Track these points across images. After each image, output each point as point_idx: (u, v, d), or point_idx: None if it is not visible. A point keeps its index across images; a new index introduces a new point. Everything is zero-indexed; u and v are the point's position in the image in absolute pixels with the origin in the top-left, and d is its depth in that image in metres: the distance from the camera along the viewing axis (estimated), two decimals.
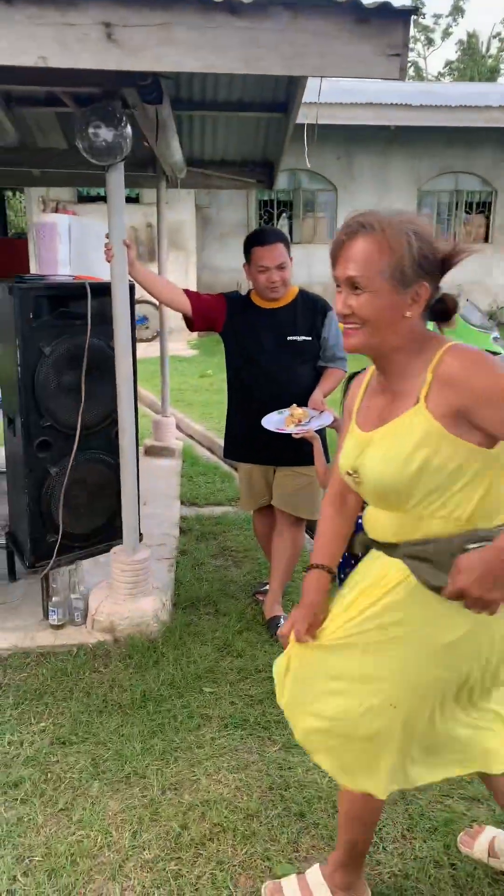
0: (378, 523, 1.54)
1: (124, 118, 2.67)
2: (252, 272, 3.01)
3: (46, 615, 3.06)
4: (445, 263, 1.42)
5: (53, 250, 3.24)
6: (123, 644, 2.94)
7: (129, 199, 6.75)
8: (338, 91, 12.88)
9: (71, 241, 3.32)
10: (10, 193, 16.18)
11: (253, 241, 2.99)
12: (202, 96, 4.40)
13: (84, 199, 12.56)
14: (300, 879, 1.83)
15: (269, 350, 3.03)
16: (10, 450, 3.23)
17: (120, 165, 2.72)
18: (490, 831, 1.97)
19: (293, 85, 4.00)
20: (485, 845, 1.94)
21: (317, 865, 1.83)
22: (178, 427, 6.50)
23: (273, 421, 2.86)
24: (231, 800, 2.15)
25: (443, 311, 1.49)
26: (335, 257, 1.43)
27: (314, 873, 1.82)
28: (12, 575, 3.45)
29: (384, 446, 1.45)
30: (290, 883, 1.83)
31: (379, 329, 1.41)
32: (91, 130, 2.62)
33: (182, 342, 12.09)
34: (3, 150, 4.78)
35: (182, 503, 4.70)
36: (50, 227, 3.28)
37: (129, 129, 2.66)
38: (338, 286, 1.44)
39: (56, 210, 11.54)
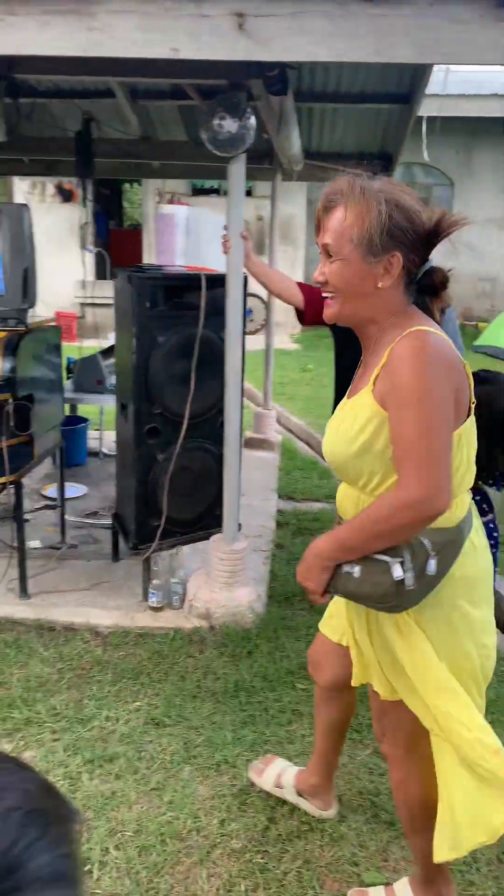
0: (342, 500, 1.54)
1: (248, 110, 2.68)
2: None
3: (146, 597, 3.14)
4: (431, 236, 1.38)
5: (172, 241, 3.29)
6: (219, 632, 2.97)
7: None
8: (460, 82, 12.45)
9: (188, 233, 3.37)
10: (127, 185, 16.67)
11: None
12: (323, 87, 4.36)
13: (198, 191, 12.77)
14: (388, 891, 1.79)
15: None
16: (121, 435, 3.33)
17: (242, 157, 2.73)
18: (278, 764, 2.13)
19: (418, 75, 3.90)
20: (272, 777, 2.11)
21: (405, 878, 1.79)
22: (278, 420, 6.51)
23: None
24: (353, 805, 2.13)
25: (430, 285, 1.45)
26: (316, 226, 1.44)
27: (403, 887, 1.77)
28: (116, 555, 3.57)
29: (338, 420, 1.47)
30: (377, 893, 1.79)
31: (350, 298, 1.41)
32: (216, 122, 2.64)
33: (285, 335, 12.10)
34: (127, 143, 4.92)
35: (279, 497, 4.70)
36: (169, 219, 3.34)
37: (252, 121, 2.66)
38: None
39: (170, 202, 11.79)
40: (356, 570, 1.39)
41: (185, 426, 3.06)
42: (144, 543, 3.14)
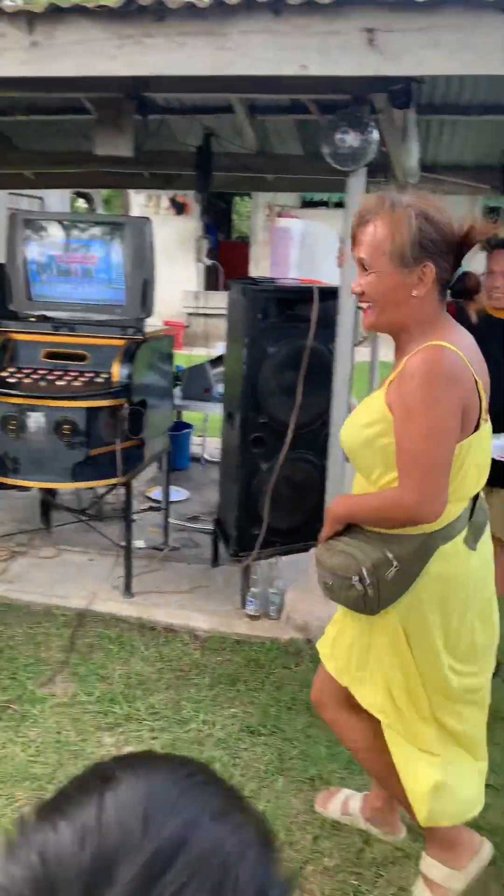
0: (353, 486, 1.68)
1: (371, 124, 2.67)
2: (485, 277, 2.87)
3: (244, 604, 3.17)
4: (462, 245, 1.48)
5: (286, 254, 3.33)
6: (315, 645, 2.95)
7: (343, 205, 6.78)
8: None
9: (302, 246, 3.40)
10: (237, 198, 16.98)
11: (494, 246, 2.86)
12: (444, 99, 4.28)
13: (306, 203, 12.84)
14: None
15: (497, 361, 2.87)
16: (226, 442, 3.39)
17: (362, 171, 2.73)
18: (344, 793, 2.10)
19: None
20: (338, 805, 2.06)
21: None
22: None
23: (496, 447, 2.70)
24: (414, 826, 2.07)
25: (464, 289, 1.53)
26: (353, 240, 1.53)
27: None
28: (215, 560, 3.63)
29: (356, 412, 1.63)
30: None
31: (386, 308, 1.50)
32: (338, 136, 2.65)
33: (389, 348, 11.91)
34: (243, 156, 5.01)
35: None
36: (285, 232, 3.39)
37: (375, 135, 2.66)
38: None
39: (280, 215, 11.91)
40: (331, 581, 1.58)
41: (289, 437, 3.08)
42: (244, 551, 3.17)
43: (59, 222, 3.50)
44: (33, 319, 3.47)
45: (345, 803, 2.07)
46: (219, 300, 9.72)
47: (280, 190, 9.51)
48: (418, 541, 1.50)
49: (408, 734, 1.62)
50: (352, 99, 2.66)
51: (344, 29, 2.13)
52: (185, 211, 12.84)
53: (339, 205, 8.44)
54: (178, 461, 5.17)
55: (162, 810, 0.36)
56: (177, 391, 4.63)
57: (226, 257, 13.60)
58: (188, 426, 5.40)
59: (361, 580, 1.49)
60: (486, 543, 1.63)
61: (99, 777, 0.39)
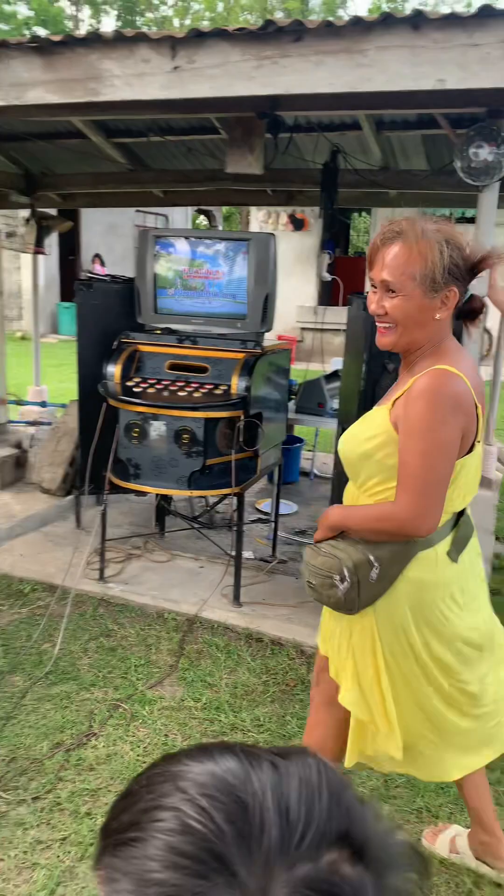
0: (345, 495, 1.74)
1: None
2: None
3: None
4: (474, 269, 1.54)
5: None
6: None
7: (467, 220, 6.59)
8: None
9: None
10: (355, 214, 16.94)
11: None
12: None
13: None
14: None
15: None
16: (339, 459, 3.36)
17: (495, 185, 2.65)
18: (453, 829, 2.04)
19: None
20: (446, 842, 2.02)
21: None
22: (499, 458, 6.16)
23: None
24: None
25: (471, 310, 1.61)
26: (371, 260, 1.57)
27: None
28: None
29: (357, 424, 1.69)
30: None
31: (409, 329, 1.54)
32: (472, 150, 2.59)
33: None
34: (368, 173, 4.99)
35: (496, 539, 4.44)
36: None
37: None
38: (373, 287, 1.57)
39: None
40: (315, 581, 1.63)
41: None
42: None
43: (187, 238, 3.62)
44: (159, 332, 3.60)
45: (453, 841, 2.02)
46: (334, 316, 9.71)
47: (402, 205, 9.39)
48: (399, 545, 1.58)
49: (374, 726, 1.69)
50: (485, 112, 2.60)
51: (485, 41, 2.08)
52: (303, 227, 12.94)
53: (463, 220, 8.23)
54: (288, 474, 5.19)
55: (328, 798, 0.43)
56: (290, 405, 4.66)
57: (343, 273, 13.57)
58: (300, 440, 5.41)
59: (342, 579, 1.56)
60: (468, 555, 1.68)
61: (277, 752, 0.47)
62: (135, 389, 3.39)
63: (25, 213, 5.77)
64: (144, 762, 2.33)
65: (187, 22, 23.89)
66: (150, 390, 3.39)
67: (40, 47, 2.41)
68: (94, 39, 2.35)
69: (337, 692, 1.75)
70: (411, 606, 1.60)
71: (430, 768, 1.74)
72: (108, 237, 15.52)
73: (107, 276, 4.11)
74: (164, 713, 2.60)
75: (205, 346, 3.46)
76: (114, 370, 3.51)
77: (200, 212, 17.53)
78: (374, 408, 1.67)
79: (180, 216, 17.21)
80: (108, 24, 26.48)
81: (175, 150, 4.96)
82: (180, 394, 3.29)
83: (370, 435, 1.61)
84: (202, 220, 20.04)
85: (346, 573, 1.55)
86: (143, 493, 3.93)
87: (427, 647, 1.62)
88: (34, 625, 3.17)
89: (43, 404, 6.10)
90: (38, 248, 5.71)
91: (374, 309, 1.57)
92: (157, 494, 3.96)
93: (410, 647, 1.62)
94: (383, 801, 2.19)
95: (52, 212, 6.18)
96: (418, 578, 1.60)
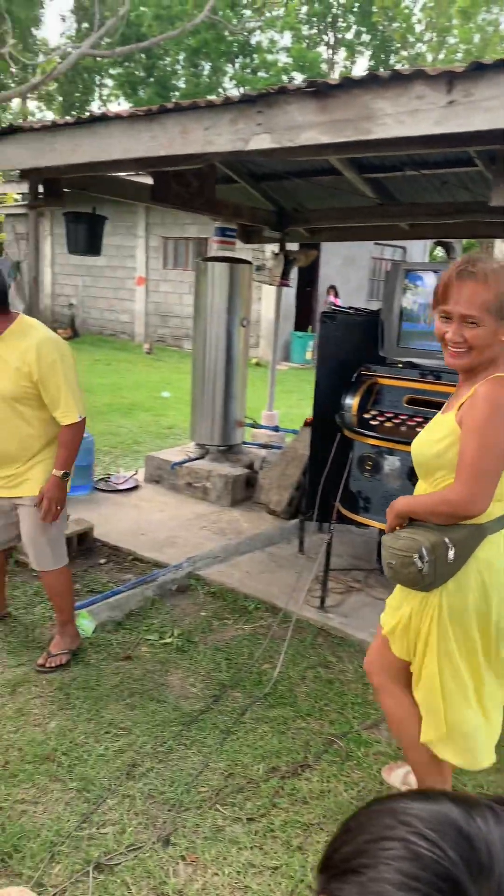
0: (417, 492, 1.98)
1: None
2: None
3: None
4: None
5: None
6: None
7: None
8: None
9: None
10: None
11: None
12: None
13: None
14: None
15: None
16: None
17: None
18: (407, 767, 2.31)
19: None
20: (400, 776, 2.36)
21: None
22: None
23: None
24: None
25: None
26: (446, 295, 1.79)
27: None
28: None
29: (428, 429, 1.93)
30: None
31: (482, 352, 1.79)
32: None
33: None
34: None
35: None
36: None
37: None
38: (444, 317, 1.82)
39: None
40: (394, 561, 1.83)
41: None
42: None
43: (436, 272, 3.54)
44: (400, 366, 3.55)
45: (406, 776, 2.34)
46: None
47: None
48: (470, 529, 1.81)
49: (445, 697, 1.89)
50: None
51: None
52: None
53: None
54: None
55: None
56: None
57: None
58: None
59: (421, 557, 1.76)
60: None
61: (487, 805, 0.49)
62: (371, 422, 3.37)
63: (271, 246, 6.07)
64: (358, 805, 2.27)
65: (441, 57, 23.81)
66: (387, 424, 3.35)
67: (317, 91, 2.51)
68: (370, 80, 2.39)
69: (400, 669, 2.03)
70: (479, 583, 1.82)
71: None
72: (345, 269, 15.84)
73: (349, 308, 4.16)
74: (379, 759, 2.51)
75: (447, 382, 3.35)
76: (352, 402, 3.53)
77: (439, 244, 17.25)
78: (440, 414, 1.94)
79: (418, 248, 17.06)
80: (362, 65, 27.27)
81: (427, 184, 4.91)
82: (418, 430, 3.21)
83: (439, 437, 1.85)
84: (439, 251, 19.68)
85: (424, 552, 1.77)
86: (366, 526, 3.89)
87: (487, 616, 1.83)
88: (255, 643, 3.26)
89: (275, 429, 6.33)
90: (284, 280, 5.97)
91: (452, 337, 1.79)
92: (380, 529, 3.89)
93: (478, 615, 1.83)
94: None
95: (295, 246, 6.44)
96: (487, 559, 1.83)
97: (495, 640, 1.85)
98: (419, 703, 1.97)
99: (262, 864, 2.02)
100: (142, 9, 23.41)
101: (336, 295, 14.58)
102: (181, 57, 27.12)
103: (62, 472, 2.78)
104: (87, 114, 3.24)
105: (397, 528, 1.92)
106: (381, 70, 2.60)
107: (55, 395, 2.69)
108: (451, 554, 1.77)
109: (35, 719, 2.62)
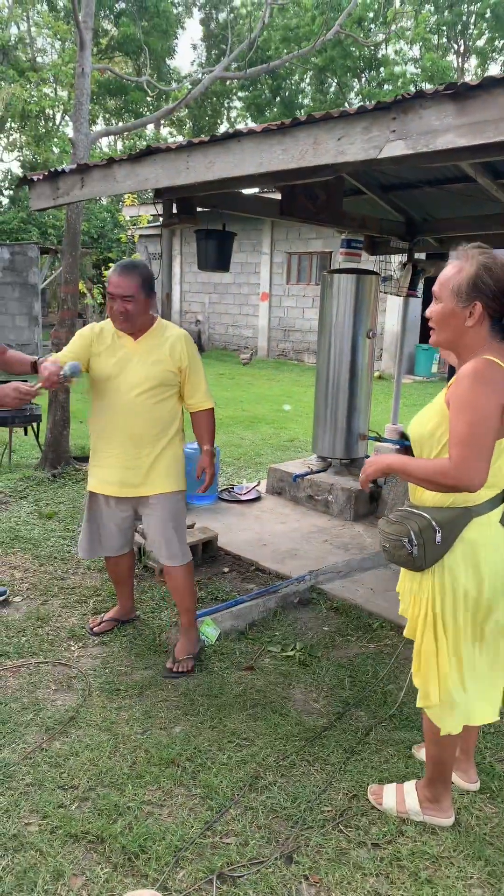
0: None
1: None
2: None
3: None
4: None
5: None
6: None
7: None
8: None
9: None
10: None
11: None
12: None
13: None
14: (398, 788, 2.34)
15: None
16: None
17: None
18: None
19: None
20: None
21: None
22: None
23: None
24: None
25: None
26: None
27: (410, 786, 2.34)
28: None
29: (423, 411, 2.05)
30: (390, 789, 2.33)
31: (442, 330, 1.95)
32: None
33: None
34: None
35: None
36: None
37: None
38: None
39: None
40: (388, 544, 1.99)
41: None
42: None
43: None
44: None
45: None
46: None
47: None
48: (457, 511, 1.93)
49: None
50: None
51: None
52: None
53: None
54: None
55: None
56: None
57: None
58: None
59: (410, 541, 1.92)
60: None
61: None
62: None
63: (399, 257, 5.95)
64: (492, 842, 2.13)
65: None
66: None
67: (456, 93, 2.43)
68: None
69: None
70: (472, 565, 1.94)
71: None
72: None
73: None
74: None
75: None
76: None
77: None
78: (436, 398, 2.00)
79: None
80: (494, 71, 26.43)
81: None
82: None
83: (430, 416, 1.96)
84: None
85: (412, 536, 1.91)
86: None
87: (479, 591, 1.95)
88: (380, 662, 3.16)
89: (400, 443, 6.17)
90: (412, 291, 5.84)
91: (427, 312, 1.97)
92: None
93: (465, 594, 1.95)
94: None
95: (422, 256, 6.27)
96: (473, 539, 1.94)
97: (484, 617, 1.98)
98: (415, 672, 2.09)
99: (389, 894, 1.94)
100: (269, 31, 23.94)
101: None
102: (307, 76, 27.46)
103: (211, 447, 3.12)
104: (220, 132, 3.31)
105: (373, 478, 2.05)
106: None
107: (197, 382, 3.03)
108: (437, 537, 1.91)
109: (161, 722, 2.67)
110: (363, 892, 1.94)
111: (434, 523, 1.91)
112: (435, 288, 1.93)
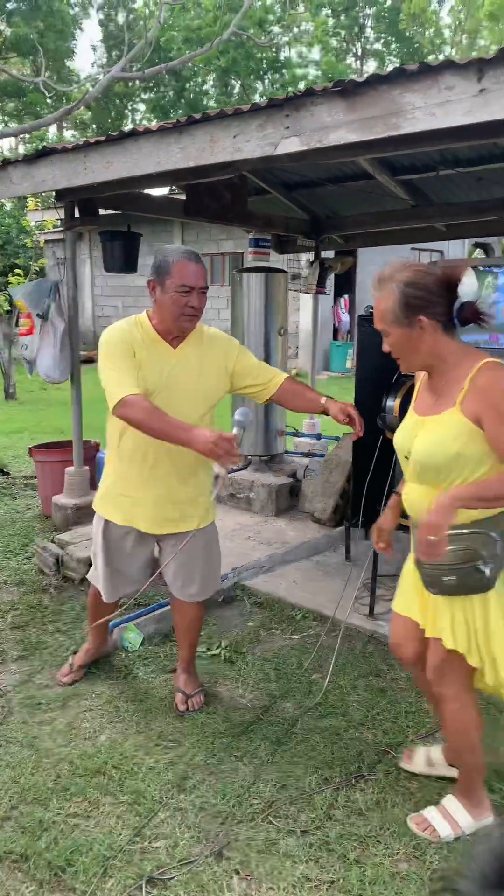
0: (419, 499, 1.93)
1: None
2: None
3: None
4: (448, 288, 1.84)
5: None
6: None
7: None
8: None
9: None
10: None
11: None
12: None
13: None
14: (440, 809, 2.15)
15: None
16: None
17: None
18: (423, 748, 2.42)
19: None
20: (422, 758, 2.39)
21: (448, 794, 1.66)
22: None
23: None
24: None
25: (465, 318, 1.86)
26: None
27: (449, 801, 2.15)
28: None
29: (434, 433, 1.86)
30: (430, 812, 2.14)
31: (406, 356, 1.90)
32: None
33: None
34: None
35: None
36: None
37: None
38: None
39: None
40: (454, 576, 1.86)
41: None
42: None
43: (474, 268, 3.46)
44: None
45: (427, 756, 2.40)
46: None
47: None
48: (500, 515, 1.85)
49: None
50: None
51: None
52: None
53: None
54: None
55: None
56: None
57: None
58: None
59: (485, 562, 1.82)
60: None
61: None
62: None
63: (306, 255, 6.05)
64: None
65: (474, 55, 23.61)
66: None
67: (344, 90, 2.49)
68: (398, 75, 2.35)
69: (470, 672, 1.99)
70: None
71: None
72: None
73: None
74: None
75: None
76: (393, 403, 3.47)
77: (477, 245, 17.00)
78: (432, 416, 1.89)
79: (456, 251, 16.83)
80: None
81: (461, 182, 4.83)
82: None
83: (453, 436, 1.82)
84: (478, 253, 19.38)
85: (485, 555, 1.82)
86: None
87: None
88: (304, 653, 3.20)
89: (318, 437, 6.28)
90: (320, 288, 5.94)
91: (384, 349, 1.94)
92: None
93: None
94: None
95: (330, 253, 6.40)
96: None
97: None
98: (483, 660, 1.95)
99: (319, 878, 1.96)
100: (171, 32, 23.87)
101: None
102: (211, 77, 27.53)
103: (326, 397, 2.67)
104: (118, 132, 3.28)
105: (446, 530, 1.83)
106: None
107: (257, 362, 2.64)
108: (498, 548, 1.84)
109: (85, 733, 2.61)
110: (293, 879, 1.96)
111: (493, 535, 1.84)
112: (377, 325, 1.91)
